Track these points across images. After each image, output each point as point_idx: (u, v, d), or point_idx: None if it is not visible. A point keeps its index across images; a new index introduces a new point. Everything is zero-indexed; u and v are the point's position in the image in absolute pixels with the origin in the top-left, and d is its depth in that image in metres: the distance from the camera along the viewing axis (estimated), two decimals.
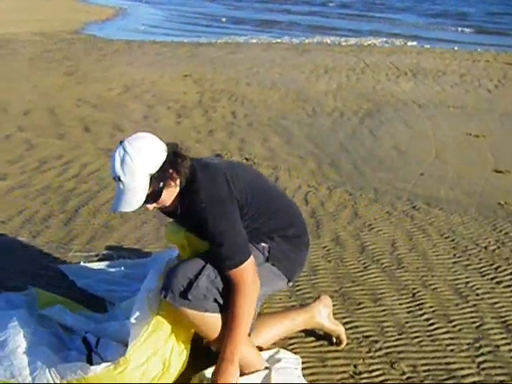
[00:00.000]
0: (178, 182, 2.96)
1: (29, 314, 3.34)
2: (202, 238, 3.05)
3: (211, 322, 3.01)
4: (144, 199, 2.87)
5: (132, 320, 3.02)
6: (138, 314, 3.04)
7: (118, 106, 9.95)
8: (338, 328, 3.57)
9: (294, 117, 9.57)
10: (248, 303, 2.96)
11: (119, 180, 2.83)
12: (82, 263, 4.44)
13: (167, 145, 2.96)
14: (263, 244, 3.20)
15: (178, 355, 3.06)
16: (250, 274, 2.95)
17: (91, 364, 3.03)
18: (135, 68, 13.42)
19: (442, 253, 4.85)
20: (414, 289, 4.24)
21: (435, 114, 9.96)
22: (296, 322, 3.47)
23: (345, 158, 7.55)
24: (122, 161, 2.81)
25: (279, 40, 19.77)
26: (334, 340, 3.58)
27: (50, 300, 3.59)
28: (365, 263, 4.65)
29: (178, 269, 2.99)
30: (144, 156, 2.82)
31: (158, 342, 2.97)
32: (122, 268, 4.33)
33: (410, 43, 19.10)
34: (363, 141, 8.37)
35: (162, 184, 2.90)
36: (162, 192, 2.93)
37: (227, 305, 2.97)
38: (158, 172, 2.86)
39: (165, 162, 2.88)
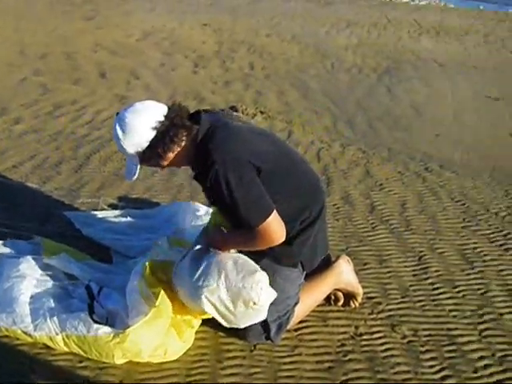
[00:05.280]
0: (173, 150, 2.96)
1: (34, 262, 3.35)
2: (214, 203, 3.08)
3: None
4: (137, 173, 2.99)
5: (129, 304, 3.00)
6: (134, 298, 3.01)
7: (136, 52, 9.87)
8: (359, 286, 3.53)
9: (312, 71, 9.48)
10: (255, 246, 2.97)
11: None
12: (89, 211, 4.45)
13: (168, 111, 2.95)
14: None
15: (177, 343, 3.03)
16: (272, 231, 2.86)
17: (92, 313, 3.06)
18: (155, 15, 13.25)
19: (452, 216, 4.81)
20: (420, 252, 4.22)
21: (455, 74, 9.82)
22: (330, 285, 3.42)
23: (361, 115, 7.48)
24: (115, 135, 2.97)
25: None
26: (333, 301, 3.55)
27: (56, 249, 3.59)
28: (373, 223, 4.62)
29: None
30: (129, 135, 2.92)
31: (157, 329, 2.92)
32: (129, 218, 4.32)
33: (434, 1, 18.66)
34: (380, 99, 8.29)
35: (154, 161, 3.01)
36: (160, 165, 3.03)
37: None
38: (147, 148, 2.92)
39: (154, 139, 2.90)
